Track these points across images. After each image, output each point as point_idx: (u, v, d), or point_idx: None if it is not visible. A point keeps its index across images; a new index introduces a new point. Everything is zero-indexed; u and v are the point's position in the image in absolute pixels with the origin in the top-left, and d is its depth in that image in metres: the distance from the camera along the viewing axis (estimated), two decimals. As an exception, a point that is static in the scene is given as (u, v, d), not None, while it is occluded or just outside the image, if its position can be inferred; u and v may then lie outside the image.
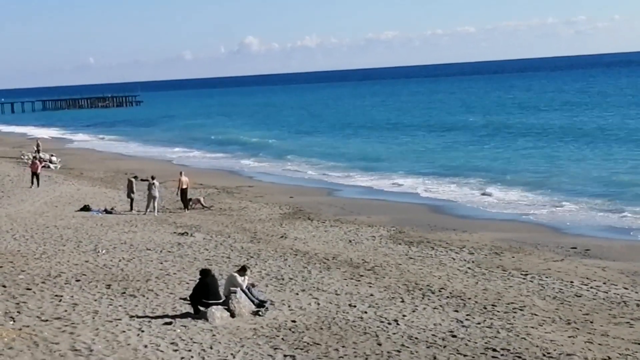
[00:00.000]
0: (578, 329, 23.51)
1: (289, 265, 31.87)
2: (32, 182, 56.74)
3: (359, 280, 29.39)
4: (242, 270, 25.92)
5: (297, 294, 27.34)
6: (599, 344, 21.94)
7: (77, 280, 28.62)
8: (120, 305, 25.50)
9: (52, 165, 74.75)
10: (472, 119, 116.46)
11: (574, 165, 65.45)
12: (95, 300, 25.94)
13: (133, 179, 48.49)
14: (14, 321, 22.89)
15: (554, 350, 21.33)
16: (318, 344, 21.90)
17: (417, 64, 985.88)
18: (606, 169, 62.22)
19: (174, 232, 39.36)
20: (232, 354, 20.96)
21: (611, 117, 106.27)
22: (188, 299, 25.31)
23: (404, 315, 24.72)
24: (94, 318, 23.80)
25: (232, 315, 24.34)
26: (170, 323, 23.66)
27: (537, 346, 21.67)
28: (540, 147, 79.09)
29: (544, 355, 20.94)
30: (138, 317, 24.22)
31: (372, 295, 27.25)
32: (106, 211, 46.53)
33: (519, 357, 20.82)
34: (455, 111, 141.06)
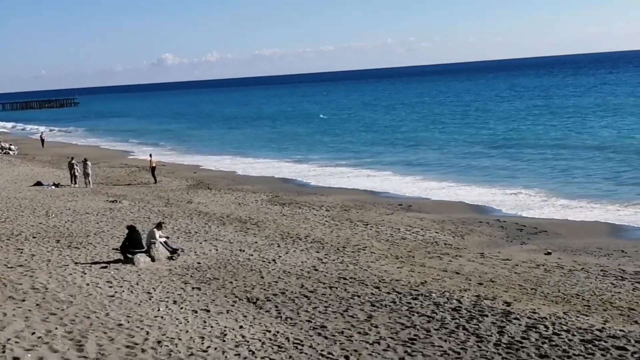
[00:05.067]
0: (404, 262, 24.06)
1: (194, 223, 31.72)
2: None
3: (246, 232, 29.46)
4: (159, 226, 25.71)
5: (201, 243, 27.27)
6: (419, 272, 22.51)
7: (34, 237, 27.97)
8: (67, 255, 25.04)
9: (11, 152, 72.49)
10: (322, 115, 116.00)
11: (390, 148, 65.95)
12: (48, 252, 25.41)
13: (72, 161, 47.54)
14: (-15, 269, 22.31)
15: (387, 277, 21.81)
16: (217, 278, 21.96)
17: (291, 74, 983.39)
18: (413, 149, 63.38)
19: (107, 200, 38.64)
20: (153, 288, 20.86)
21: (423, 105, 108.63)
22: (119, 249, 25.03)
23: (280, 256, 24.93)
24: (47, 265, 23.33)
25: (153, 260, 24.18)
26: (105, 267, 23.38)
27: (375, 275, 22.14)
28: (367, 132, 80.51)
29: (380, 281, 21.40)
30: (81, 263, 23.84)
31: (256, 242, 27.38)
32: (54, 185, 45.41)
33: (363, 282, 21.22)
34: (309, 105, 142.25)
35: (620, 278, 21.38)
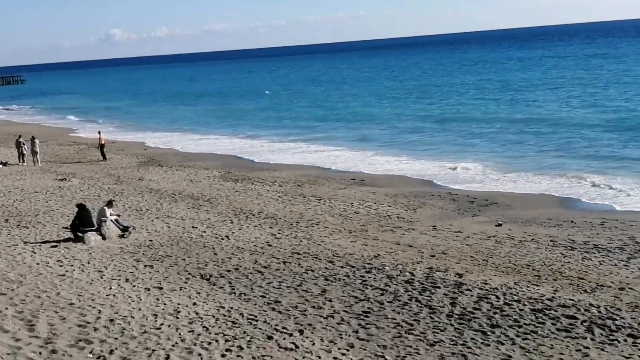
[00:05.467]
0: (357, 236, 24.16)
1: (146, 200, 31.43)
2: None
3: (199, 209, 29.29)
4: (109, 204, 25.42)
5: (153, 220, 27.05)
6: (372, 246, 22.64)
7: (-20, 218, 27.49)
8: (16, 235, 24.67)
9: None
10: (267, 91, 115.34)
11: (340, 123, 65.83)
12: (-4, 232, 25.03)
13: (20, 139, 46.62)
14: None
15: (341, 251, 21.90)
16: (170, 256, 21.82)
17: (242, 49, 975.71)
18: (363, 125, 63.48)
19: (56, 179, 38.08)
20: (105, 266, 20.65)
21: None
22: (69, 227, 24.72)
23: (233, 232, 24.86)
24: (-5, 245, 22.98)
25: (104, 238, 23.93)
26: (55, 246, 23.08)
27: (329, 249, 22.21)
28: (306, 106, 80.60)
29: (334, 255, 21.47)
30: (31, 242, 23.50)
31: (209, 219, 27.24)
32: (2, 164, 44.52)
33: (316, 257, 21.28)
34: (258, 81, 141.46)
35: (569, 248, 21.76)
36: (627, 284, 18.03)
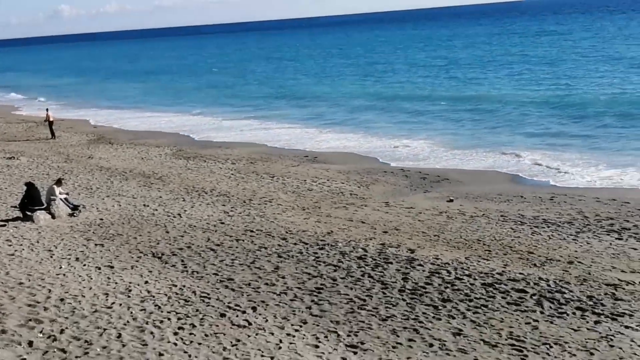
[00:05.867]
0: (310, 213, 24.20)
1: (96, 178, 31.06)
2: None
3: (150, 187, 29.04)
4: (58, 182, 25.09)
5: (103, 199, 26.75)
6: (325, 222, 22.70)
7: None
8: (-38, 215, 24.24)
9: None
10: (214, 69, 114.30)
11: (289, 101, 65.52)
12: (-59, 212, 24.53)
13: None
14: None
15: (294, 228, 21.92)
16: (121, 234, 21.63)
17: (194, 25, 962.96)
18: (312, 103, 63.41)
19: (3, 157, 37.40)
20: (54, 245, 20.40)
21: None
22: (17, 206, 24.33)
23: (185, 210, 24.71)
24: (-60, 225, 22.52)
25: (53, 217, 23.62)
26: (4, 225, 22.72)
27: (282, 226, 22.21)
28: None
29: (287, 232, 21.49)
30: (-23, 222, 23.10)
31: (160, 197, 27.03)
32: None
33: (270, 234, 21.28)
34: (206, 58, 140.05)
35: (519, 223, 22.08)
36: (576, 257, 18.37)
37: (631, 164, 30.42)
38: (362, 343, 13.35)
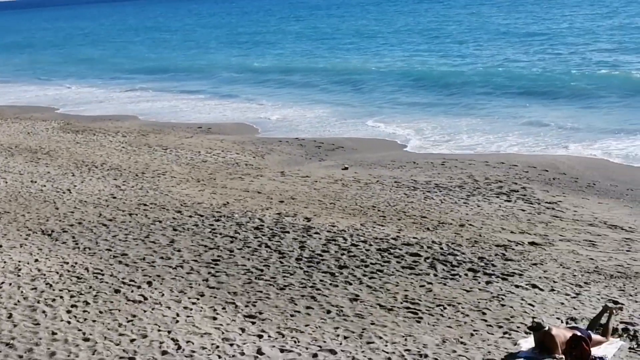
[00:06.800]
0: (205, 184, 23.99)
1: (-21, 155, 29.91)
2: None
3: (37, 162, 28.13)
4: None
5: (-12, 176, 25.81)
6: (220, 194, 22.54)
7: None
8: None
9: None
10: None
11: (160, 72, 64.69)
12: None
13: None
14: None
15: (189, 201, 21.68)
16: (8, 212, 20.90)
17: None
18: (193, 75, 62.67)
19: None
20: (-64, 226, 19.56)
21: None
22: None
23: (75, 186, 24.07)
24: None
25: None
26: None
27: (176, 199, 21.93)
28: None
29: (182, 205, 21.24)
30: None
31: (49, 172, 26.24)
32: None
33: (164, 207, 20.98)
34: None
35: (412, 188, 22.50)
36: (467, 220, 18.90)
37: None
38: (261, 313, 13.39)
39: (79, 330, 12.78)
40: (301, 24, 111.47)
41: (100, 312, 13.54)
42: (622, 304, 13.13)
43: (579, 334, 11.19)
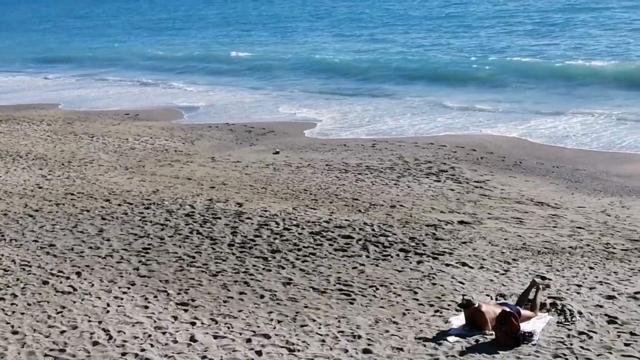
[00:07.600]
0: (134, 172, 23.66)
1: None
2: None
3: (-42, 153, 27.36)
4: None
5: None
6: (150, 181, 22.27)
7: None
8: None
9: None
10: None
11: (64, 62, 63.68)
12: None
13: None
14: None
15: (117, 189, 21.35)
16: None
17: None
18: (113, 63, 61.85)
19: None
20: None
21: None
22: None
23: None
24: None
25: None
26: None
27: (104, 188, 21.57)
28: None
29: (110, 193, 20.90)
30: None
31: (-30, 163, 25.56)
32: None
33: (92, 196, 20.61)
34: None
35: (344, 171, 22.63)
36: (398, 201, 19.10)
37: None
38: (193, 300, 13.30)
39: (7, 323, 12.50)
40: (214, 9, 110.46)
41: (29, 304, 13.26)
42: (550, 280, 13.48)
43: (508, 309, 11.42)
